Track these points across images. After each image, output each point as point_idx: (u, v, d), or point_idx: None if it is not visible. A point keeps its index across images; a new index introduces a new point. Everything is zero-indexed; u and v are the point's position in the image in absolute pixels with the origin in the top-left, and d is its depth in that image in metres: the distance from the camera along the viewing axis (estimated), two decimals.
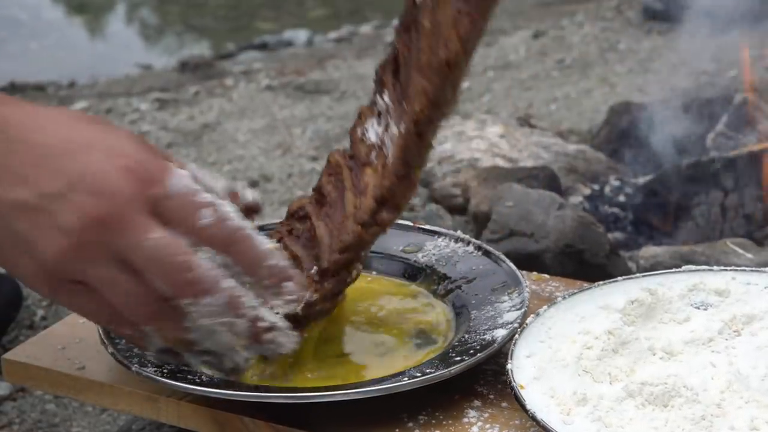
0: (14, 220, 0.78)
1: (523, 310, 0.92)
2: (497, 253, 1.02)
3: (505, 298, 0.95)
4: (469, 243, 1.04)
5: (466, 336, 0.91)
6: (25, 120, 0.79)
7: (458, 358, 0.86)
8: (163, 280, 0.78)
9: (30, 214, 0.77)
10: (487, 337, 0.89)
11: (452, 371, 0.84)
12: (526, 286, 0.95)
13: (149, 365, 0.86)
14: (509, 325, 0.90)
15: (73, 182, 0.77)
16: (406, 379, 0.84)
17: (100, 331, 0.91)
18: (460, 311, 0.96)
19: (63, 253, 0.77)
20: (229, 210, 0.80)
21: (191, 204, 0.79)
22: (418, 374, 0.84)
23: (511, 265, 0.99)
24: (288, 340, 0.83)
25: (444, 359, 0.87)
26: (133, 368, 0.86)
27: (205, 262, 0.79)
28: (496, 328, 0.90)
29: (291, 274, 0.83)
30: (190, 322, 0.80)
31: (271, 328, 0.82)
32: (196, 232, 0.79)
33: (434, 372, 0.84)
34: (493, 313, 0.93)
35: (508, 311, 0.93)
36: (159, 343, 0.82)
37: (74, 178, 0.77)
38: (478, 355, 0.86)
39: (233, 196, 0.84)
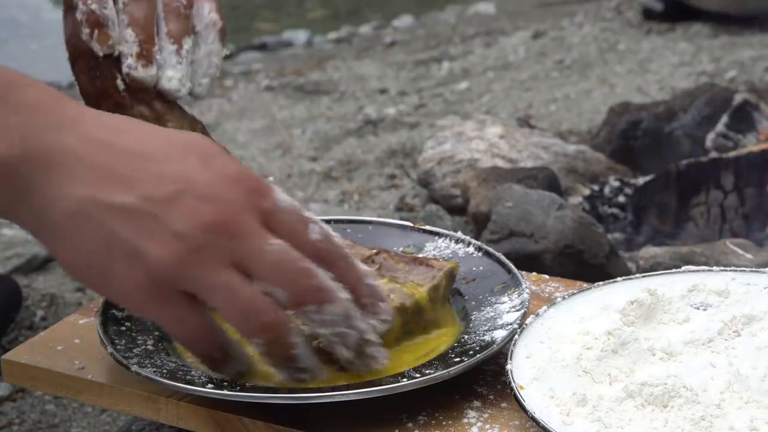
0: (116, 225, 0.75)
1: (522, 311, 0.92)
2: (497, 254, 1.02)
3: (505, 299, 0.95)
4: (469, 244, 1.04)
5: (466, 337, 0.91)
6: (96, 122, 0.78)
7: (457, 359, 0.86)
8: (287, 287, 0.78)
9: (136, 220, 0.75)
10: (487, 338, 0.89)
11: (451, 372, 0.84)
12: (526, 287, 0.95)
13: (148, 366, 0.86)
14: (509, 326, 0.90)
15: (181, 188, 0.76)
16: (405, 380, 0.83)
17: (99, 331, 0.91)
18: (460, 312, 0.96)
19: (179, 257, 0.75)
20: (330, 229, 0.81)
21: (300, 219, 0.80)
22: (417, 375, 0.84)
23: (512, 266, 0.99)
24: (381, 355, 0.84)
25: (443, 360, 0.87)
26: (132, 368, 0.86)
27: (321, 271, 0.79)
28: (495, 329, 0.90)
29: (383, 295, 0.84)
30: (297, 337, 0.80)
31: (373, 342, 0.83)
32: (305, 246, 0.79)
33: (433, 373, 0.84)
34: (492, 314, 0.93)
35: (508, 312, 0.93)
36: (240, 367, 0.83)
37: (181, 183, 0.76)
38: (477, 356, 0.86)
39: None
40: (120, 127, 0.78)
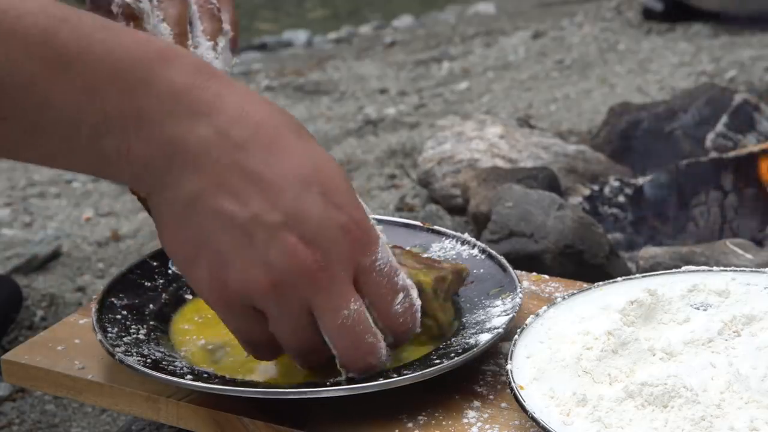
0: (215, 230, 0.76)
1: (510, 315, 0.91)
2: (499, 257, 1.01)
3: (498, 302, 0.95)
4: (474, 246, 1.04)
5: (452, 339, 0.90)
6: (238, 113, 0.76)
7: (438, 361, 0.86)
8: (343, 353, 0.80)
9: (235, 234, 0.76)
10: (471, 341, 0.89)
11: (426, 374, 0.84)
12: (521, 292, 0.95)
13: (135, 354, 0.87)
14: (495, 330, 0.90)
15: (290, 222, 0.76)
16: (381, 379, 0.83)
17: (94, 318, 0.91)
18: (455, 314, 0.96)
19: (258, 286, 0.76)
20: (415, 294, 0.83)
21: (391, 286, 0.80)
22: (394, 375, 0.84)
23: (510, 269, 0.99)
24: None
25: (424, 362, 0.87)
26: (117, 356, 0.86)
27: (382, 345, 0.82)
28: (482, 332, 0.90)
29: None
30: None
31: None
32: (386, 314, 0.81)
33: (411, 373, 0.84)
34: (483, 317, 0.93)
35: (498, 316, 0.92)
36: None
37: (292, 217, 0.76)
38: (456, 358, 0.86)
39: None
40: (260, 130, 0.76)
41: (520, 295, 0.95)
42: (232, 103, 0.76)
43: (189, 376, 0.84)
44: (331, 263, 0.77)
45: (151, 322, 0.94)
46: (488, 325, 0.91)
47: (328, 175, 0.78)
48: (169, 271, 1.02)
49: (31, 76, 0.73)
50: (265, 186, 0.76)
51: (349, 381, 0.83)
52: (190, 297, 1.00)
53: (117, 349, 0.87)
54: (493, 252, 1.02)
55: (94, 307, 0.93)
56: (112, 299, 0.95)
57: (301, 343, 0.80)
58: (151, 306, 0.96)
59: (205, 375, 0.86)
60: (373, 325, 0.80)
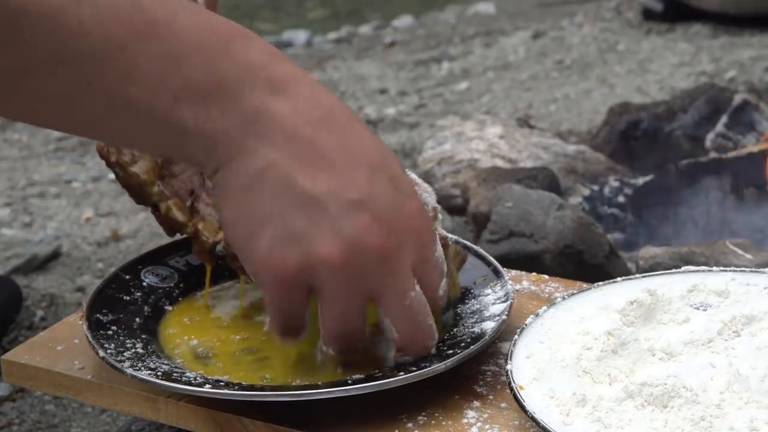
0: (289, 203, 0.76)
1: (509, 302, 0.92)
2: (476, 247, 1.02)
3: (489, 291, 0.95)
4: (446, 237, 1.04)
5: (455, 330, 0.91)
6: (312, 94, 0.78)
7: (451, 351, 0.86)
8: (405, 335, 0.82)
9: (311, 208, 0.76)
10: (476, 329, 0.89)
11: (447, 364, 0.84)
12: (508, 279, 0.96)
13: (142, 368, 0.86)
14: (497, 318, 0.90)
15: (365, 200, 0.77)
16: (402, 373, 0.83)
17: (88, 336, 0.90)
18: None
19: (330, 259, 0.76)
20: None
21: (440, 276, 0.83)
22: (414, 368, 0.84)
23: (491, 258, 1.00)
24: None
25: (436, 353, 0.87)
26: (127, 372, 0.85)
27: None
28: (483, 320, 0.91)
29: None
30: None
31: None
32: (433, 301, 0.83)
33: (429, 366, 0.84)
34: (478, 306, 0.94)
35: (494, 304, 0.93)
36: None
37: (366, 196, 0.77)
38: (471, 347, 0.86)
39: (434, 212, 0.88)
40: (332, 112, 0.79)
41: (510, 282, 0.95)
42: (305, 86, 0.78)
43: (207, 386, 0.84)
44: (399, 249, 0.78)
45: (143, 336, 0.93)
46: (487, 314, 0.92)
47: (393, 165, 0.80)
48: (144, 284, 1.01)
49: (120, 41, 0.74)
50: (339, 163, 0.77)
51: (369, 378, 0.83)
52: (170, 308, 0.99)
53: (124, 365, 0.87)
54: (468, 242, 1.03)
55: (84, 325, 0.92)
56: (98, 316, 0.94)
57: (347, 327, 0.80)
58: (137, 320, 0.96)
59: (222, 383, 0.85)
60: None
